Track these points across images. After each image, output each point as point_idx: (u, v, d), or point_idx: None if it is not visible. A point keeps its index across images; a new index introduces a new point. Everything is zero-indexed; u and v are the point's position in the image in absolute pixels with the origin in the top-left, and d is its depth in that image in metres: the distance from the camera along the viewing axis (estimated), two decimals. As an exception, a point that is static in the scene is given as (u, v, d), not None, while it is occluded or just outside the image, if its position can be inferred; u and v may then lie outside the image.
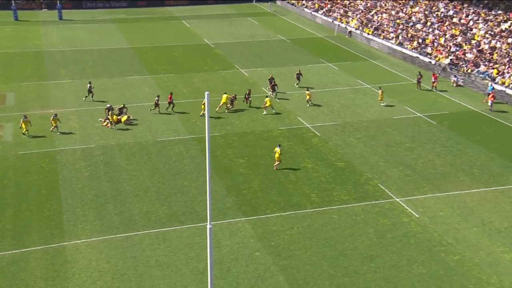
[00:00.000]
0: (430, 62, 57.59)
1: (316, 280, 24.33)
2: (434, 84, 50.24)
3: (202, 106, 43.42)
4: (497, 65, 51.85)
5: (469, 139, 39.71)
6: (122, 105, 43.20)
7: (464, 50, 57.06)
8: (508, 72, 50.23)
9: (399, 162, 35.93)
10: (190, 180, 33.37)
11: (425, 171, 34.76)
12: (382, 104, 46.34)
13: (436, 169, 34.96)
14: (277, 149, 34.66)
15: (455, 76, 52.82)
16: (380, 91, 46.73)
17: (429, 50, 59.84)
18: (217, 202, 30.80)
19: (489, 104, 45.61)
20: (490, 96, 45.80)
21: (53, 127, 39.75)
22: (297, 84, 51.33)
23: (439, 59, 57.21)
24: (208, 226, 18.53)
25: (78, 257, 25.84)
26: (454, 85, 52.35)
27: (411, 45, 62.27)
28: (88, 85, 47.19)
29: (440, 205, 30.66)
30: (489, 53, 54.58)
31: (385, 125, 42.06)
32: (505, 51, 53.49)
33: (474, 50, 55.98)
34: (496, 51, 54.31)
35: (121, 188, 32.36)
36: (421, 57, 59.26)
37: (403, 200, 31.23)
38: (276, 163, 34.71)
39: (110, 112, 41.74)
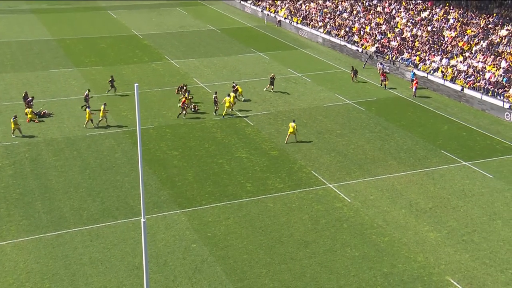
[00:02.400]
0: (358, 50, 59.13)
1: (254, 268, 24.53)
2: (385, 83, 49.04)
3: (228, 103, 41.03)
4: (419, 52, 53.97)
5: (396, 124, 41.17)
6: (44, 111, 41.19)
7: (389, 38, 58.97)
8: (428, 59, 52.43)
9: (331, 149, 36.73)
10: (123, 174, 32.64)
11: (355, 156, 35.74)
12: (243, 100, 44.65)
13: (366, 154, 36.03)
14: (293, 124, 36.65)
15: (381, 64, 54.50)
16: (237, 87, 44.50)
17: (356, 38, 61.39)
18: (151, 195, 30.32)
19: (413, 90, 47.45)
20: (414, 82, 47.67)
21: (13, 130, 37.07)
22: (271, 89, 47.11)
23: (365, 47, 58.83)
24: (142, 220, 18.21)
25: (4, 259, 24.68)
26: (381, 72, 53.99)
27: (339, 34, 63.66)
28: (110, 78, 45.80)
29: (370, 189, 31.65)
30: (411, 40, 56.71)
31: (317, 113, 42.83)
32: (426, 38, 55.75)
33: (398, 38, 57.98)
34: (418, 39, 56.51)
35: (50, 185, 31.18)
36: (349, 46, 60.72)
37: (335, 185, 31.98)
38: (287, 137, 37.08)
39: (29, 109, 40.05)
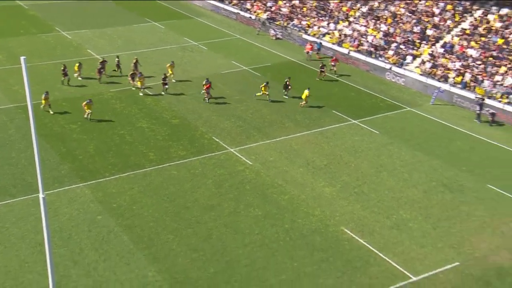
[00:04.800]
0: (251, 17, 59.21)
1: (160, 235, 24.30)
2: (334, 69, 44.94)
3: (263, 89, 38.56)
4: (308, 18, 55.12)
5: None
6: None
7: (279, 5, 59.56)
8: (315, 25, 53.72)
9: (230, 115, 36.84)
10: (18, 150, 30.64)
11: (254, 120, 36.16)
12: (79, 78, 41.38)
13: (264, 118, 36.55)
14: (306, 91, 37.62)
15: (274, 30, 55.07)
16: (76, 65, 41.58)
17: (248, 6, 61.35)
18: (51, 170, 28.80)
19: (309, 54, 48.40)
20: (309, 47, 48.58)
21: None
22: (285, 94, 40.18)
23: (258, 14, 59.06)
24: (41, 195, 17.22)
25: None
26: (274, 38, 54.62)
27: (232, 2, 63.25)
28: (116, 59, 42.90)
29: (270, 151, 32.28)
30: (299, 7, 57.69)
31: (215, 80, 42.56)
32: (313, 5, 56.95)
33: (288, 5, 58.73)
34: (306, 5, 57.60)
35: None
36: (242, 13, 60.62)
37: (237, 150, 32.24)
38: (303, 102, 37.92)
39: None
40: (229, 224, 25.23)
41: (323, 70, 43.69)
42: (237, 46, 51.67)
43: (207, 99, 38.51)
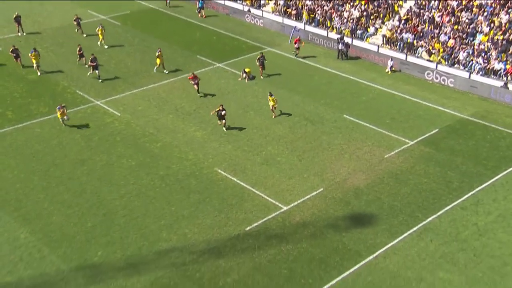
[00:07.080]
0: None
1: (29, 195, 22.80)
2: (297, 51, 38.05)
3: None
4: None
5: (153, 35, 40.62)
6: None
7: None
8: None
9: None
10: None
11: (118, 71, 34.60)
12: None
13: (128, 68, 35.11)
14: (270, 97, 29.57)
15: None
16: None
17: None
18: None
19: (168, 1, 46.85)
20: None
21: None
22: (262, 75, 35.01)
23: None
24: None
25: None
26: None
27: None
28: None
29: (138, 101, 31.29)
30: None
31: (71, 32, 39.78)
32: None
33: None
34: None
35: None
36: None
37: (103, 102, 30.79)
38: (273, 115, 29.99)
39: None
40: (102, 177, 24.36)
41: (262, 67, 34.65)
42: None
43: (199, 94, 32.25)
